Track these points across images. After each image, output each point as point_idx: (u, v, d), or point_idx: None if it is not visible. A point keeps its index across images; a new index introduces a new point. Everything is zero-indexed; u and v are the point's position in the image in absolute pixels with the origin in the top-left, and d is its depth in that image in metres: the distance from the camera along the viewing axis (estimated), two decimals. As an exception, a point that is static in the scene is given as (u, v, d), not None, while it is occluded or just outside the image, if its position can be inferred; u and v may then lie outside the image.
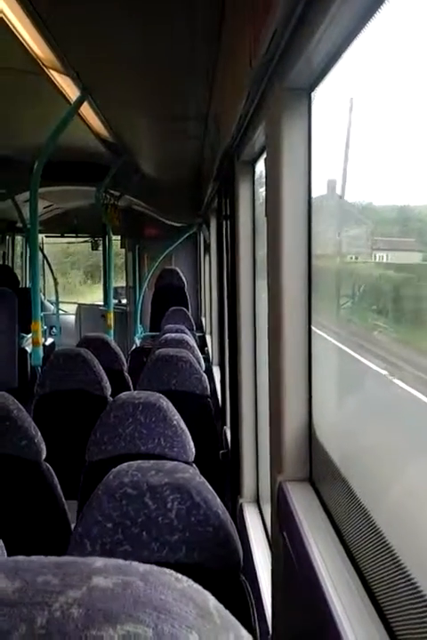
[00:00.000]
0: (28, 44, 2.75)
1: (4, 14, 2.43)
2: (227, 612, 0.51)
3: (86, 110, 3.94)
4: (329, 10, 1.11)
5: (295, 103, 1.57)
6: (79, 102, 3.59)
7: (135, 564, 0.51)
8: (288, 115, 1.57)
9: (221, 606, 0.50)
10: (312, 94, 1.58)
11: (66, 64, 2.99)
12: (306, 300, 1.63)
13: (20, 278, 9.31)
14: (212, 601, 0.50)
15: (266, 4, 1.33)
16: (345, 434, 1.69)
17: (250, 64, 1.65)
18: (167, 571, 0.51)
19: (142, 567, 0.51)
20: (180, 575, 0.51)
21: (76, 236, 10.81)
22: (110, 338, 5.12)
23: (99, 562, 0.50)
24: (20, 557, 0.50)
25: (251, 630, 1.63)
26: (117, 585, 0.47)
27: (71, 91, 3.54)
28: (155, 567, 0.51)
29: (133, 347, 7.05)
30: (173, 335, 4.81)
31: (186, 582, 0.51)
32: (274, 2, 1.25)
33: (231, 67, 2.23)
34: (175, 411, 2.45)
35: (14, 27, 2.55)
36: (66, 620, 0.43)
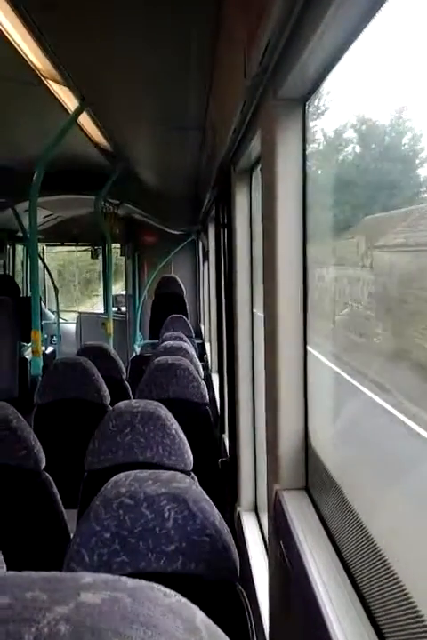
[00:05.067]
0: (26, 55, 2.77)
1: (2, 26, 2.44)
2: (215, 627, 0.51)
3: (85, 120, 3.96)
4: (322, 21, 1.12)
5: (290, 113, 1.58)
6: (78, 112, 3.61)
7: (124, 579, 0.51)
8: (283, 124, 1.58)
9: (209, 621, 0.51)
10: (307, 104, 1.59)
11: (64, 75, 3.01)
12: (302, 309, 1.63)
13: (20, 287, 9.32)
14: (199, 616, 0.50)
15: (260, 15, 1.34)
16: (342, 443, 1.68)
17: (244, 75, 1.66)
18: (156, 586, 0.51)
19: (131, 582, 0.51)
20: (168, 590, 0.51)
21: (77, 245, 10.86)
22: (110, 346, 5.13)
23: (87, 577, 0.50)
24: (10, 573, 0.51)
25: None
26: (105, 601, 0.47)
27: (70, 101, 3.56)
28: (144, 582, 0.51)
29: (133, 355, 7.06)
30: (172, 343, 4.81)
31: (174, 597, 0.51)
32: (267, 13, 1.26)
33: (227, 77, 2.24)
34: (174, 419, 2.44)
35: (12, 38, 2.57)
36: (53, 637, 0.43)
